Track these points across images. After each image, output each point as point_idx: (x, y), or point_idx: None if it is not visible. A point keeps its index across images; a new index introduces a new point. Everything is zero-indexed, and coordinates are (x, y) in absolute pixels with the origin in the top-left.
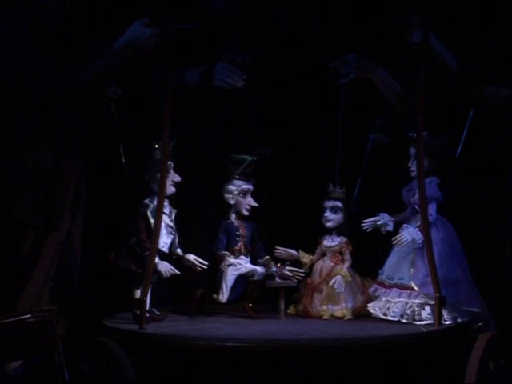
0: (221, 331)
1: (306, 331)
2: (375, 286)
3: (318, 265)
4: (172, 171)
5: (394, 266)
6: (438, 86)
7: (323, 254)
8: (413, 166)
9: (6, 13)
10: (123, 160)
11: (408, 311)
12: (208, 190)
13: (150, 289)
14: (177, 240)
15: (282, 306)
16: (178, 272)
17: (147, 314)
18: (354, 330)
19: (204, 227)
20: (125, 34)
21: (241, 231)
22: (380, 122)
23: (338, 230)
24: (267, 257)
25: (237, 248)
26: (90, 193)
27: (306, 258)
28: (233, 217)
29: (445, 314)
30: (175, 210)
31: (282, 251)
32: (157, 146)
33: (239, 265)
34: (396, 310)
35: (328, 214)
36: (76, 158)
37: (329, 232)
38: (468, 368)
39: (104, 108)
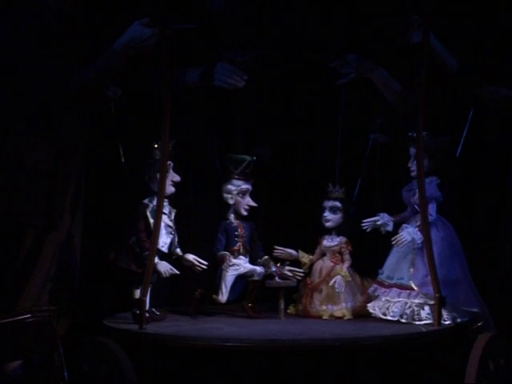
0: (221, 331)
1: (305, 331)
2: (375, 285)
3: (318, 265)
4: (171, 171)
5: (393, 265)
6: (438, 86)
7: (323, 254)
8: (413, 166)
9: (6, 13)
10: (123, 160)
11: (407, 311)
12: (207, 190)
13: (149, 289)
14: (176, 240)
15: (282, 305)
16: (178, 272)
17: (147, 314)
18: (353, 329)
19: (203, 227)
20: (125, 34)
21: (240, 231)
22: (380, 121)
23: (337, 230)
24: (266, 257)
25: (236, 248)
26: (90, 193)
27: (305, 257)
28: (232, 217)
29: (444, 313)
30: (175, 210)
31: (281, 251)
32: (156, 145)
33: (238, 265)
34: (395, 309)
35: (327, 214)
36: (76, 158)
37: (328, 232)
38: (468, 368)
39: (104, 108)
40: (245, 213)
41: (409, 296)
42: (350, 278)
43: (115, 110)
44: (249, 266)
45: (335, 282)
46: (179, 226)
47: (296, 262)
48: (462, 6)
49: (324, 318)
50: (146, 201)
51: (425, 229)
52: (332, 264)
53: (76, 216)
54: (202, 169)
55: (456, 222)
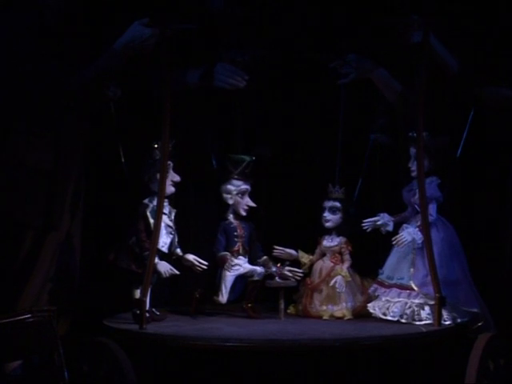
0: (221, 331)
1: (305, 331)
2: (375, 285)
3: (318, 265)
4: (171, 171)
5: (393, 265)
6: (438, 87)
7: (323, 254)
8: (413, 166)
9: (6, 13)
10: (123, 160)
11: (407, 311)
12: (207, 190)
13: (149, 289)
14: (176, 240)
15: (282, 305)
16: (178, 272)
17: (147, 314)
18: (353, 330)
19: (203, 227)
20: (125, 34)
21: (239, 232)
22: (380, 122)
23: (337, 231)
24: (265, 257)
25: (235, 249)
26: (90, 193)
27: (305, 257)
28: (231, 217)
29: (444, 314)
30: (175, 210)
31: (281, 251)
32: (156, 145)
33: (238, 265)
34: (395, 309)
35: (327, 215)
36: (76, 158)
37: (328, 232)
38: (468, 368)
39: (104, 108)
40: (244, 213)
41: (409, 296)
42: (350, 278)
43: (115, 110)
44: (249, 267)
45: (336, 282)
46: (179, 226)
47: (296, 262)
48: (462, 6)
49: (324, 318)
50: (145, 201)
51: (425, 229)
52: (332, 264)
53: (76, 216)
54: (201, 169)
55: (456, 222)
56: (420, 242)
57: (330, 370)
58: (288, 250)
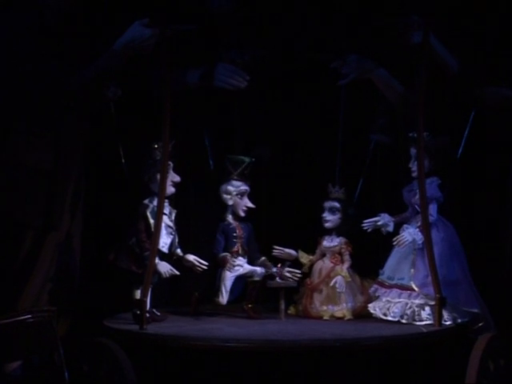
0: (221, 331)
1: (306, 332)
2: (375, 286)
3: (318, 265)
4: (171, 171)
5: (394, 266)
6: (438, 87)
7: (323, 255)
8: (413, 167)
9: (5, 13)
10: (123, 160)
11: (408, 311)
12: (207, 191)
13: (150, 289)
14: (177, 240)
15: (283, 306)
16: (178, 272)
17: (147, 315)
18: (354, 330)
19: (204, 228)
20: (125, 34)
21: (238, 232)
22: (381, 122)
23: (337, 231)
24: (263, 258)
25: (234, 249)
26: (90, 193)
27: (304, 258)
28: (229, 218)
29: (445, 314)
30: (175, 211)
31: (281, 251)
32: (156, 146)
33: (238, 266)
34: (396, 310)
35: (326, 215)
36: (76, 158)
37: (329, 232)
38: (468, 368)
39: (104, 108)
40: (243, 214)
41: (409, 296)
42: (350, 279)
43: (115, 110)
44: (249, 267)
45: (336, 282)
46: (179, 227)
47: (297, 263)
48: (462, 6)
49: (324, 318)
50: (145, 201)
51: (425, 229)
52: (332, 265)
53: (76, 216)
54: (201, 169)
55: (456, 222)
56: (420, 242)
57: (331, 370)
58: (287, 250)
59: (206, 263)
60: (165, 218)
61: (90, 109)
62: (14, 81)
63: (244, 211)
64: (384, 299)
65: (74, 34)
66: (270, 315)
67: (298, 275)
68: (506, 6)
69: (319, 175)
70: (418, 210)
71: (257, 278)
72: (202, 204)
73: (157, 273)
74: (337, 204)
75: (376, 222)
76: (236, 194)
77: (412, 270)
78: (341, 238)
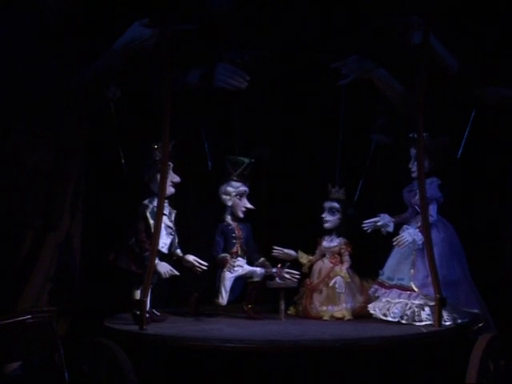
0: (221, 332)
1: (306, 332)
2: (375, 286)
3: (317, 265)
4: (171, 172)
5: (394, 266)
6: (438, 87)
7: (323, 255)
8: (413, 167)
9: (5, 13)
10: (123, 160)
11: (408, 312)
12: (207, 191)
13: (149, 289)
14: (176, 241)
15: (283, 306)
16: (178, 273)
17: (147, 315)
18: (354, 330)
19: (204, 228)
20: (125, 34)
21: (237, 233)
22: (381, 122)
23: (337, 231)
24: (262, 258)
25: (234, 250)
26: (90, 193)
27: (304, 258)
28: (228, 218)
29: (445, 314)
30: (175, 211)
31: (280, 251)
32: (156, 146)
33: (238, 266)
34: (396, 310)
35: (326, 215)
36: (75, 158)
37: (328, 233)
38: (468, 369)
39: (104, 108)
40: (242, 215)
41: (409, 297)
42: (349, 279)
43: (115, 111)
44: (248, 268)
45: (335, 282)
46: (179, 227)
47: (297, 263)
48: (463, 6)
49: (324, 318)
50: (145, 201)
51: (425, 230)
52: (331, 265)
53: (75, 216)
54: (201, 169)
55: (456, 222)
56: (420, 242)
57: (331, 370)
58: (286, 251)
59: (205, 263)
60: (164, 218)
61: (89, 109)
62: (13, 81)
63: (243, 212)
64: (384, 300)
65: (74, 34)
66: (270, 316)
67: (297, 276)
68: (506, 5)
69: (319, 175)
70: (418, 210)
71: (256, 279)
72: (202, 204)
73: (156, 273)
74: (336, 204)
75: (376, 222)
76: (235, 194)
77: (412, 271)
78: (340, 238)
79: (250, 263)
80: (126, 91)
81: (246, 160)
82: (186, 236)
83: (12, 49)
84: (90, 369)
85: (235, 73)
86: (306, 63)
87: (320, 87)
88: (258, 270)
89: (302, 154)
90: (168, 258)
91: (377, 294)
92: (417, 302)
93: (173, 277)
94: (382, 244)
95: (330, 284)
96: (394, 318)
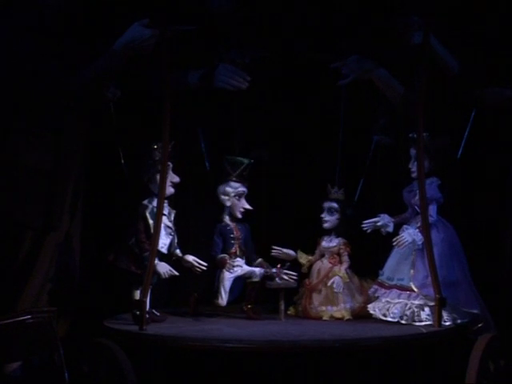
0: (220, 332)
1: (305, 332)
2: (375, 286)
3: (317, 265)
4: (171, 172)
5: (394, 266)
6: (439, 87)
7: (322, 255)
8: (413, 167)
9: (5, 13)
10: (122, 161)
11: (407, 312)
12: (207, 191)
13: (149, 290)
14: (176, 241)
15: (282, 306)
16: (177, 273)
17: (147, 315)
18: (353, 330)
19: (203, 228)
20: (124, 34)
21: (235, 233)
22: (383, 122)
23: (336, 232)
24: (260, 259)
25: (232, 251)
26: (90, 193)
27: (303, 258)
28: (227, 219)
29: (444, 315)
30: (174, 211)
31: (279, 251)
32: (156, 146)
33: (237, 267)
34: (395, 311)
35: (325, 215)
36: (75, 158)
37: (328, 233)
38: (468, 369)
39: (104, 108)
40: (240, 216)
41: (409, 297)
42: (348, 279)
43: (115, 111)
44: (247, 268)
45: (333, 282)
46: (179, 227)
47: (297, 263)
48: (462, 6)
49: (324, 318)
50: (145, 202)
51: (425, 230)
52: (330, 265)
53: (75, 216)
54: (201, 170)
55: (456, 222)
56: (420, 243)
57: (330, 371)
58: (286, 250)
59: (205, 264)
60: (164, 218)
61: (89, 109)
62: (13, 81)
63: (241, 213)
64: (383, 300)
65: (74, 34)
66: (270, 316)
67: (294, 277)
68: (506, 5)
69: (319, 175)
70: (418, 210)
71: (256, 279)
72: (202, 205)
73: (156, 273)
74: (335, 205)
75: (376, 222)
76: (234, 195)
77: (412, 271)
78: (340, 238)
79: (248, 263)
80: (126, 91)
81: (246, 160)
82: (185, 236)
83: (12, 49)
84: (90, 369)
85: (236, 73)
86: (306, 63)
87: (320, 87)
88: (258, 270)
89: (302, 154)
90: (167, 258)
91: (376, 295)
92: (416, 302)
93: (172, 277)
94: (382, 244)
95: (328, 284)
96: (394, 318)
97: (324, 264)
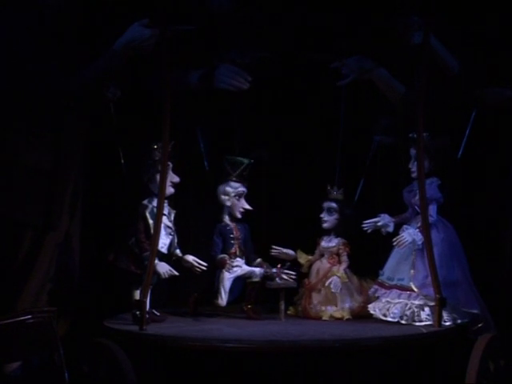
0: (220, 332)
1: (306, 332)
2: (375, 286)
3: (316, 265)
4: (171, 172)
5: (394, 266)
6: (439, 87)
7: (322, 255)
8: (413, 167)
9: (6, 13)
10: (122, 161)
11: (407, 312)
12: (207, 191)
13: (149, 290)
14: (176, 241)
15: (283, 306)
16: (177, 273)
17: (147, 315)
18: (353, 331)
19: (203, 228)
20: (124, 34)
21: (235, 233)
22: (384, 123)
23: (336, 232)
24: (259, 259)
25: (232, 251)
26: (89, 193)
27: (303, 258)
28: (226, 219)
29: (445, 315)
30: (174, 211)
31: (278, 251)
32: (156, 146)
33: (236, 267)
34: (395, 311)
35: (324, 215)
36: (75, 158)
37: (327, 233)
38: (468, 369)
39: (104, 108)
40: (239, 216)
41: (409, 297)
42: (346, 279)
43: (115, 111)
44: (247, 268)
45: (331, 282)
46: (178, 227)
47: (297, 263)
48: (462, 6)
49: (323, 318)
50: (145, 202)
51: (425, 230)
52: (329, 265)
53: (75, 216)
54: (201, 170)
55: (456, 222)
56: (420, 243)
57: (330, 370)
58: (285, 250)
59: (204, 264)
60: (164, 218)
61: (89, 109)
62: (13, 81)
63: (241, 213)
64: (384, 300)
65: (74, 34)
66: (270, 316)
67: (293, 277)
68: (506, 5)
69: (319, 175)
70: (418, 210)
71: (256, 279)
72: (202, 205)
73: (156, 273)
74: (334, 204)
75: (376, 222)
76: (234, 195)
77: (412, 271)
78: (339, 238)
79: (248, 264)
80: (126, 91)
81: (246, 160)
82: (185, 236)
83: (12, 49)
84: (90, 369)
85: (237, 73)
86: (306, 63)
87: (320, 87)
88: (258, 270)
89: (302, 154)
90: (167, 258)
91: (377, 295)
92: (416, 302)
93: (172, 277)
94: (382, 244)
95: (326, 284)
96: (394, 318)
97: (323, 264)
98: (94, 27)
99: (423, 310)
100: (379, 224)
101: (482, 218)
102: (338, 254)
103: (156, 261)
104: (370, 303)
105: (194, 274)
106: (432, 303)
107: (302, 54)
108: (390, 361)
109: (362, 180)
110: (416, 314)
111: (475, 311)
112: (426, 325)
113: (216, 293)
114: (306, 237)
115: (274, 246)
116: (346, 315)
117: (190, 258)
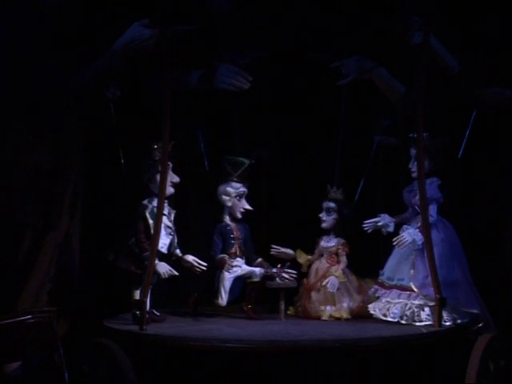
0: (220, 332)
1: (306, 332)
2: (375, 286)
3: (315, 265)
4: (171, 172)
5: (394, 266)
6: (439, 87)
7: (321, 255)
8: (413, 167)
9: (5, 13)
10: (122, 161)
11: (407, 312)
12: (207, 191)
13: (149, 290)
14: (176, 241)
15: (283, 306)
16: (177, 273)
17: (147, 315)
18: (353, 330)
19: (203, 228)
20: (124, 34)
21: (235, 234)
22: (385, 123)
23: (335, 231)
24: (260, 259)
25: (232, 251)
26: (89, 193)
27: (302, 258)
28: (227, 219)
29: (445, 315)
30: (174, 211)
31: (278, 250)
32: (156, 146)
33: (236, 267)
34: (395, 311)
35: (323, 215)
36: (75, 158)
37: (327, 233)
38: (468, 369)
39: (104, 108)
40: (240, 216)
41: (409, 297)
42: (344, 279)
43: (115, 111)
44: (247, 268)
45: (328, 282)
46: (178, 227)
47: (297, 263)
48: (462, 6)
49: (323, 318)
50: (145, 202)
51: (425, 230)
52: (328, 265)
53: (75, 216)
54: (201, 170)
55: (456, 222)
56: (420, 243)
57: (330, 370)
58: (284, 250)
59: (204, 264)
60: (164, 218)
61: (89, 109)
62: (13, 81)
63: (241, 213)
64: (384, 300)
65: (74, 34)
66: (270, 316)
67: (294, 276)
68: (506, 5)
69: (319, 175)
70: (418, 210)
71: (256, 279)
72: (202, 205)
73: (156, 273)
74: (332, 204)
75: (376, 222)
76: (235, 195)
77: (412, 271)
78: (338, 238)
79: (248, 263)
80: (126, 91)
81: (246, 161)
82: (185, 236)
83: (12, 49)
84: (90, 369)
85: (238, 73)
86: (306, 63)
87: (320, 87)
88: (258, 270)
89: (302, 154)
90: (167, 258)
91: (377, 295)
92: (416, 302)
93: (172, 277)
94: (382, 244)
95: (323, 283)
96: (394, 318)
97: (322, 264)
98: (94, 27)
99: (423, 310)
100: (380, 224)
101: (482, 218)
102: (337, 254)
103: (156, 261)
104: (369, 303)
105: (193, 273)
106: (432, 303)
107: (301, 53)
108: (390, 361)
109: (362, 180)
110: (416, 314)
111: (475, 311)
112: (426, 325)
113: (216, 293)
114: (306, 237)
115: (274, 246)
116: (345, 315)
117: (190, 257)
